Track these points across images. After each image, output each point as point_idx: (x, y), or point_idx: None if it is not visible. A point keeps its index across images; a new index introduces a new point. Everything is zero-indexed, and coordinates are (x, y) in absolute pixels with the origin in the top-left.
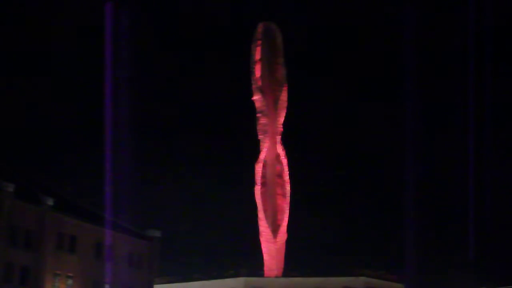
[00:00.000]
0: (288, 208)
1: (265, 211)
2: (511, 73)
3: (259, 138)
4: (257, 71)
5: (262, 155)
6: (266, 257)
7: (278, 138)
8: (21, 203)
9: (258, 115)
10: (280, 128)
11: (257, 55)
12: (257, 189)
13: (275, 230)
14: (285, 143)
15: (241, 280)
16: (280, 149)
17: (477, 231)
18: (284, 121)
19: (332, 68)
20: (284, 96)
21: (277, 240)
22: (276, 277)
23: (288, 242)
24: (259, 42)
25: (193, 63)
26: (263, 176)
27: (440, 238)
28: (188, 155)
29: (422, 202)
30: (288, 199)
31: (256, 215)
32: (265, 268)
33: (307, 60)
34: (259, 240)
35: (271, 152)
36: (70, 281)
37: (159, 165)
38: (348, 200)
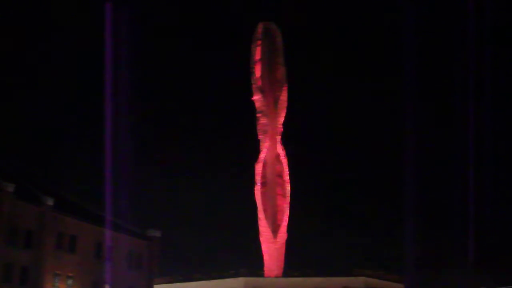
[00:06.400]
0: (288, 208)
1: (265, 211)
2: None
3: (259, 138)
4: (257, 71)
5: (262, 155)
6: (266, 257)
7: (278, 138)
8: (21, 203)
9: (258, 115)
10: (280, 128)
11: (257, 55)
12: (257, 189)
13: (275, 230)
14: (285, 143)
15: (241, 280)
16: (280, 149)
17: (477, 231)
18: (284, 121)
19: (332, 68)
20: (284, 96)
21: (277, 240)
22: (276, 277)
23: (288, 242)
24: (259, 42)
25: (193, 63)
26: (263, 176)
27: (440, 238)
28: (188, 155)
29: (422, 202)
30: (288, 199)
31: (256, 215)
32: (265, 268)
33: (307, 60)
34: (259, 240)
35: (271, 152)
36: (70, 281)
37: (159, 165)
38: (348, 200)
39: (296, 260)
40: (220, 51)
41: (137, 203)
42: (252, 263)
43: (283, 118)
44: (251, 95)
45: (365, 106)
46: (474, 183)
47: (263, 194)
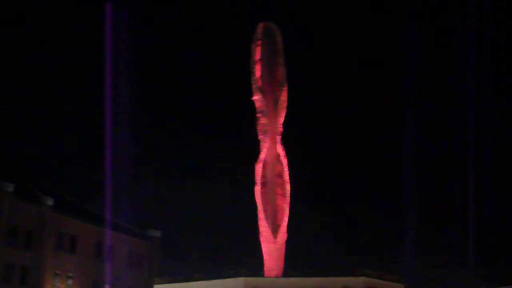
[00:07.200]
0: (288, 208)
1: (265, 211)
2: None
3: (259, 138)
4: (257, 71)
5: (262, 155)
6: (266, 257)
7: (278, 138)
8: (21, 203)
9: (258, 115)
10: (280, 128)
11: (257, 55)
12: (257, 189)
13: (275, 230)
14: (285, 143)
15: (241, 280)
16: (280, 149)
17: (477, 231)
18: (284, 121)
19: (332, 68)
20: (284, 96)
21: (277, 240)
22: (276, 277)
23: (288, 242)
24: (259, 42)
25: (193, 63)
26: (263, 176)
27: (440, 239)
28: (188, 155)
29: (422, 203)
30: (288, 199)
31: (256, 215)
32: (265, 268)
33: (307, 60)
34: (259, 240)
35: (271, 152)
36: (70, 281)
37: (159, 165)
38: (348, 200)
39: (296, 260)
40: (220, 51)
41: (137, 203)
42: (252, 263)
43: (283, 118)
44: (251, 95)
45: (365, 105)
46: (474, 183)
47: (263, 194)
